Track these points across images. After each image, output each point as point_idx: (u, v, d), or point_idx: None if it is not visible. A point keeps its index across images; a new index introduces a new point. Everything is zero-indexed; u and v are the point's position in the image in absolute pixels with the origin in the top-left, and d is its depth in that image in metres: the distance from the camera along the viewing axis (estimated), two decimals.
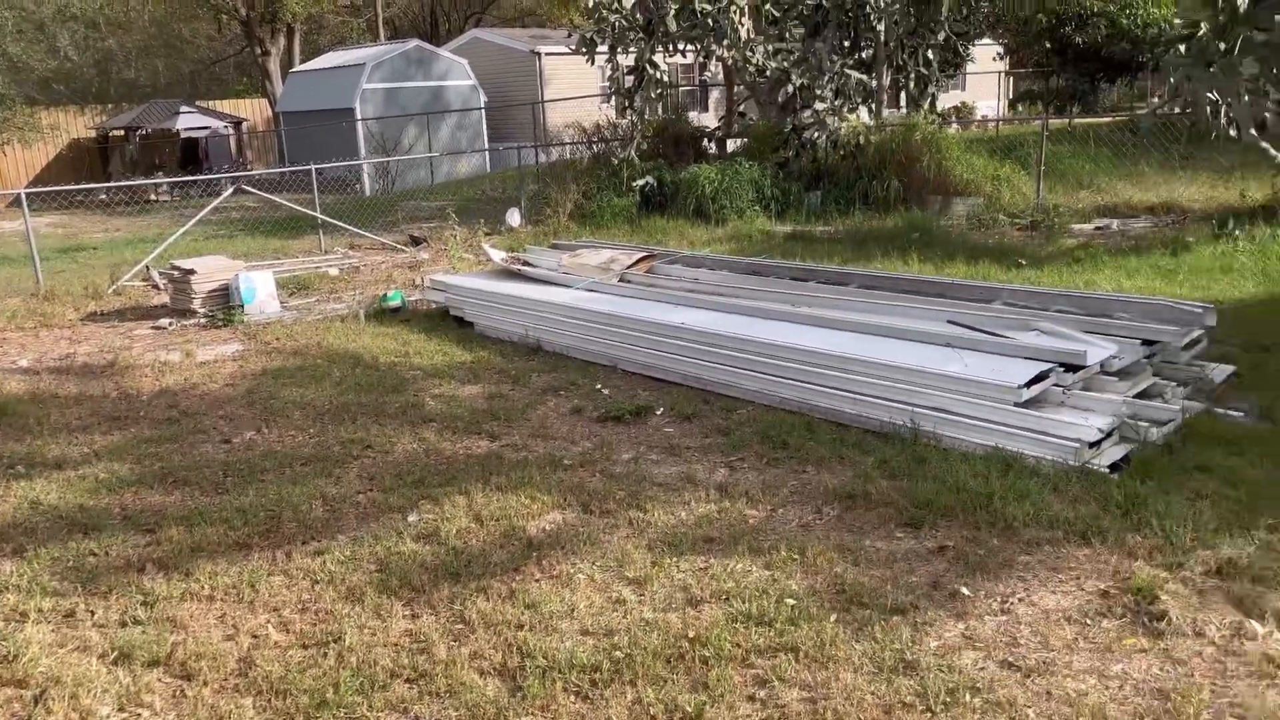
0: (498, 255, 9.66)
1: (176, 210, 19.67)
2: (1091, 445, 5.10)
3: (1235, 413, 5.70)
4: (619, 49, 15.07)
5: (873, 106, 16.94)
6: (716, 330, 6.86)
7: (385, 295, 10.02)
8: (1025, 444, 5.23)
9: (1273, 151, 11.10)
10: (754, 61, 15.43)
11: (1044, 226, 12.52)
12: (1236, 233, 10.67)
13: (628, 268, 8.82)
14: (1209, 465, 5.02)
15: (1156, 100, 26.09)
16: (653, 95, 15.47)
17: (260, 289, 10.21)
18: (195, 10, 38.36)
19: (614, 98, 15.61)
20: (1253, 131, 11.15)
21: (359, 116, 26.43)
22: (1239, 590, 3.86)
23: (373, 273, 12.57)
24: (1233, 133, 11.87)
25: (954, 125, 23.30)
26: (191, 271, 10.21)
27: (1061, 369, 5.60)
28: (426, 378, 7.51)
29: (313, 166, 14.51)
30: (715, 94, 29.47)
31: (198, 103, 33.91)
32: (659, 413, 6.51)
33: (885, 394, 5.88)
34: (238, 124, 33.56)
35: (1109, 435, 5.23)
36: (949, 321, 6.38)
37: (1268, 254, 9.80)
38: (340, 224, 14.43)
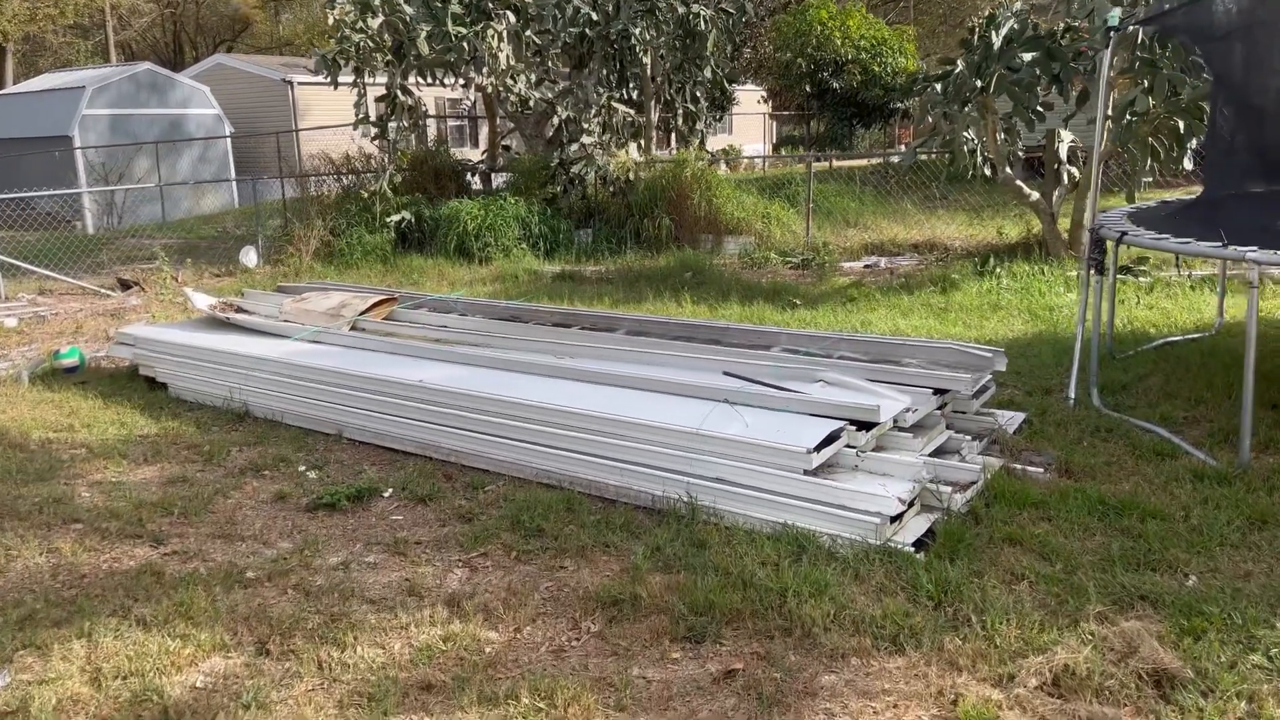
0: (203, 301, 8.09)
1: None
2: (893, 519, 4.34)
3: (1034, 468, 5.14)
4: (365, 72, 13.70)
5: (642, 143, 16.40)
6: (461, 389, 5.71)
7: (58, 352, 8.17)
8: (819, 520, 4.41)
9: (1027, 190, 11.26)
10: (516, 92, 14.49)
11: (815, 265, 12.23)
12: (998, 270, 10.67)
13: (362, 313, 7.52)
14: (1019, 535, 4.37)
15: (909, 142, 27.50)
16: (404, 124, 14.18)
17: None
18: None
19: (361, 127, 14.17)
20: (1008, 169, 11.29)
21: (77, 145, 23.46)
22: (1085, 713, 3.11)
23: (63, 323, 10.53)
24: (988, 171, 12.03)
25: (723, 166, 23.41)
26: None
27: (853, 427, 4.85)
28: (90, 458, 5.91)
29: None
30: (486, 128, 28.44)
31: None
32: (387, 495, 5.27)
33: (657, 462, 4.93)
34: None
35: (910, 505, 4.49)
36: (725, 373, 5.54)
37: (1030, 291, 9.77)
38: (26, 265, 12.18)
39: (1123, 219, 6.44)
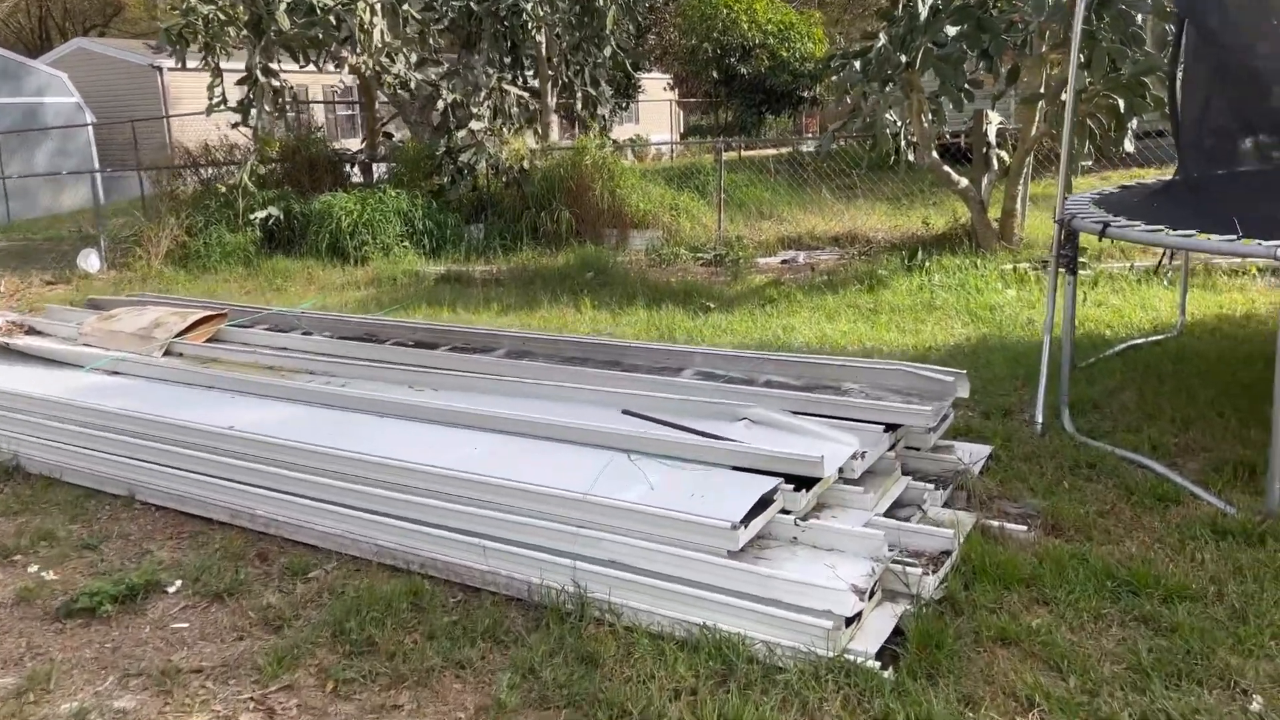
0: None
1: None
2: (849, 620, 3.19)
3: (1014, 525, 4.07)
4: (218, 50, 12.08)
5: (538, 129, 15.09)
6: (279, 439, 4.39)
7: None
8: (750, 621, 3.24)
9: (955, 176, 10.35)
10: (395, 73, 13.03)
11: (729, 261, 11.12)
12: (927, 265, 9.72)
13: (179, 334, 6.09)
14: (1014, 632, 3.28)
15: (814, 132, 26.66)
16: (267, 109, 12.59)
17: None
18: None
19: (213, 112, 12.54)
20: (934, 154, 10.35)
21: None
22: None
23: None
24: (911, 156, 11.10)
25: (630, 155, 22.25)
26: None
27: (788, 484, 3.71)
28: None
29: None
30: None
31: None
32: (172, 590, 3.92)
33: (534, 539, 3.71)
34: None
35: (869, 594, 3.36)
36: (625, 412, 4.33)
37: (966, 288, 8.82)
38: None
39: (1091, 206, 5.44)
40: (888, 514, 3.96)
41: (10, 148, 22.44)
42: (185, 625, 3.67)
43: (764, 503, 3.59)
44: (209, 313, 6.43)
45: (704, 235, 12.38)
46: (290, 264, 11.92)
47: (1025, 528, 4.04)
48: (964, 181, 10.51)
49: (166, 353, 6.00)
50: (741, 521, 3.40)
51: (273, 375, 5.49)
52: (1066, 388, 5.37)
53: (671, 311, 8.50)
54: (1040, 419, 5.22)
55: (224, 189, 12.89)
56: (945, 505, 4.24)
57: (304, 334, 6.28)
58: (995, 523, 4.08)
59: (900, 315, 8.09)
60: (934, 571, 3.52)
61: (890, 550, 3.58)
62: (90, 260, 12.58)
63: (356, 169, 15.09)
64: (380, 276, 11.13)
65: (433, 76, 13.55)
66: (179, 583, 3.96)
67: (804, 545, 3.63)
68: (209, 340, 6.19)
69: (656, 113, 32.30)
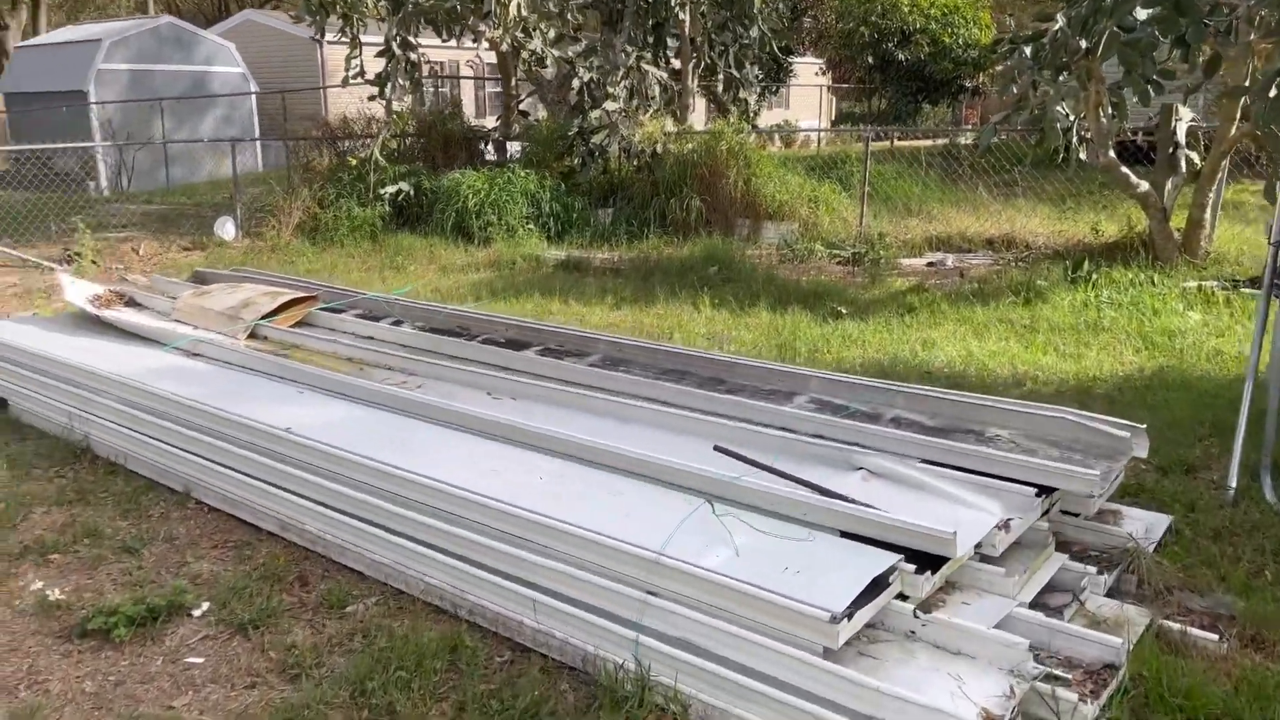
0: (79, 291, 6.39)
1: None
2: None
3: (1201, 631, 3.21)
4: (355, 22, 11.92)
5: (676, 111, 14.45)
6: (334, 446, 3.93)
7: None
8: None
9: (1134, 179, 9.16)
10: (531, 49, 12.62)
11: (868, 261, 10.24)
12: (1095, 278, 8.61)
13: (265, 317, 5.76)
14: None
15: (976, 122, 25.03)
16: (402, 83, 12.38)
17: None
18: None
19: (349, 84, 12.43)
20: (1111, 153, 9.19)
21: (93, 100, 22.11)
22: None
23: None
24: (1083, 154, 9.93)
25: (776, 141, 21.32)
26: None
27: (909, 560, 2.99)
28: None
29: None
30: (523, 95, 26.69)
31: None
32: (198, 614, 3.51)
33: (594, 600, 3.11)
34: None
35: None
36: (717, 449, 3.67)
37: (1140, 308, 7.72)
38: None
39: None
40: (1034, 603, 3.18)
41: (180, 114, 23.31)
42: (199, 661, 3.24)
43: (876, 584, 2.88)
44: (300, 295, 6.10)
45: (843, 230, 11.50)
46: (414, 241, 11.69)
47: (1216, 636, 3.18)
48: (1144, 185, 9.30)
49: (251, 335, 5.69)
50: (844, 613, 2.70)
51: (349, 368, 5.07)
52: (1271, 444, 4.39)
53: (797, 316, 7.74)
54: (1234, 483, 4.27)
55: (355, 162, 12.78)
56: (1110, 594, 3.41)
57: (393, 323, 5.86)
58: (1176, 625, 3.23)
59: (1060, 335, 7.11)
60: (1094, 697, 2.73)
61: (1036, 659, 2.82)
62: (226, 228, 12.70)
63: (490, 147, 14.81)
64: (500, 259, 10.75)
65: (570, 54, 13.08)
66: (205, 606, 3.55)
67: (923, 643, 2.90)
68: (297, 324, 5.84)
69: (806, 98, 31.19)
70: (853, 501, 3.26)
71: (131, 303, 6.46)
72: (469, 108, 24.84)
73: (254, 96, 24.36)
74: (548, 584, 3.21)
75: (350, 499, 3.78)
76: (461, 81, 25.75)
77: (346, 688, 3.03)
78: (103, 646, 3.32)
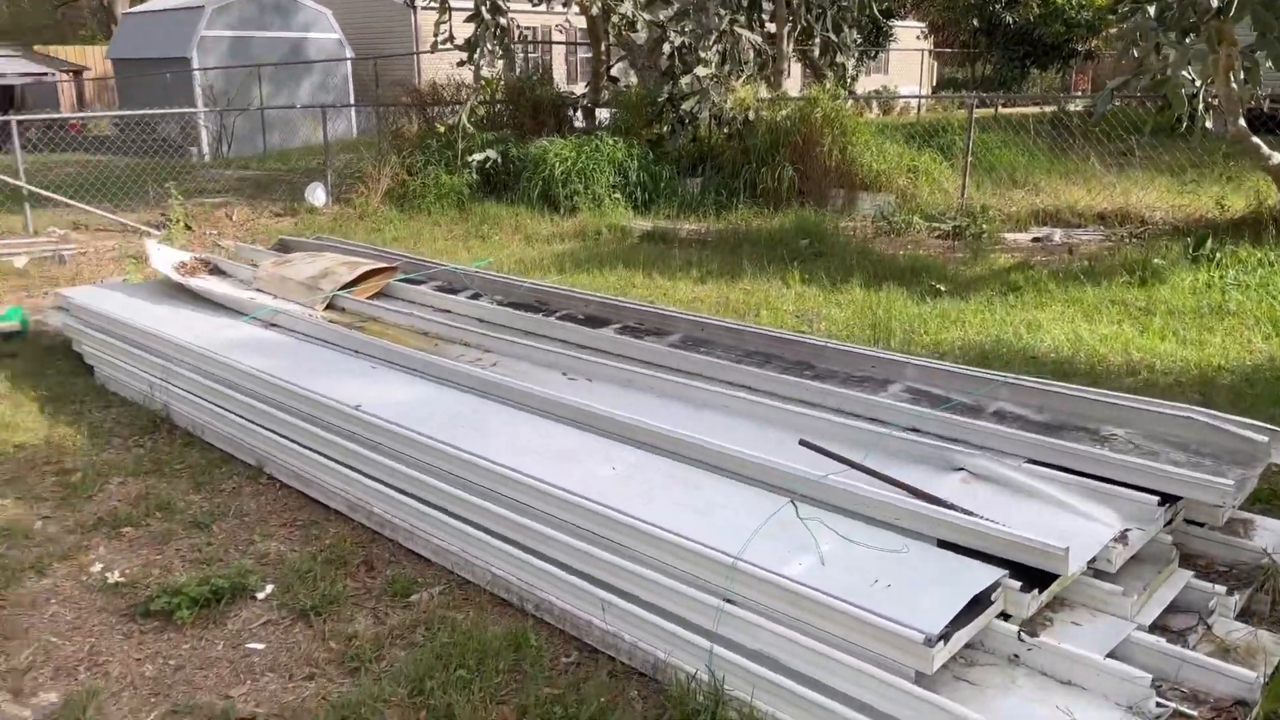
0: (165, 258, 6.41)
1: None
2: None
3: None
4: None
5: (770, 77, 14.00)
6: (403, 427, 3.79)
7: None
8: None
9: (1266, 150, 8.47)
10: (621, 12, 12.33)
11: (970, 235, 9.74)
12: (1219, 256, 8.00)
13: (344, 287, 5.68)
14: None
15: (1086, 89, 23.76)
16: (489, 48, 12.23)
17: None
18: None
19: (437, 50, 12.33)
20: (1241, 121, 8.51)
21: (196, 67, 22.62)
22: None
23: (80, 266, 9.17)
24: (1209, 122, 9.24)
25: (873, 108, 20.57)
26: None
27: (1014, 576, 2.70)
28: None
29: (13, 118, 10.97)
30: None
31: (35, 49, 29.45)
32: (261, 597, 3.42)
33: (667, 603, 2.90)
34: (77, 72, 29.24)
35: None
36: (803, 443, 3.40)
37: (1270, 290, 7.12)
38: (55, 196, 10.92)
39: None
40: (1155, 626, 2.86)
41: (278, 80, 23.66)
42: (260, 647, 3.15)
43: (976, 601, 2.60)
44: (379, 265, 6.00)
45: (943, 202, 10.97)
46: (500, 210, 11.58)
47: None
48: (1276, 156, 8.60)
49: (330, 306, 5.61)
50: (941, 634, 2.44)
51: (423, 343, 4.94)
52: None
53: (892, 294, 7.36)
54: None
55: (443, 129, 12.73)
56: (1241, 617, 3.06)
57: (471, 296, 5.72)
58: None
59: (1180, 319, 6.59)
60: None
61: (1158, 692, 2.51)
62: (317, 194, 12.80)
63: (579, 114, 14.59)
64: (585, 229, 10.56)
65: (661, 18, 12.73)
66: (269, 589, 3.46)
67: (1027, 669, 2.62)
68: (375, 295, 5.75)
69: (907, 63, 30.12)
70: (951, 507, 2.97)
71: (216, 270, 6.47)
72: (559, 74, 24.69)
73: (349, 62, 24.61)
74: (619, 583, 3.02)
75: (417, 481, 3.65)
76: (552, 47, 25.57)
77: (405, 685, 2.89)
78: (165, 628, 3.25)
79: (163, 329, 5.15)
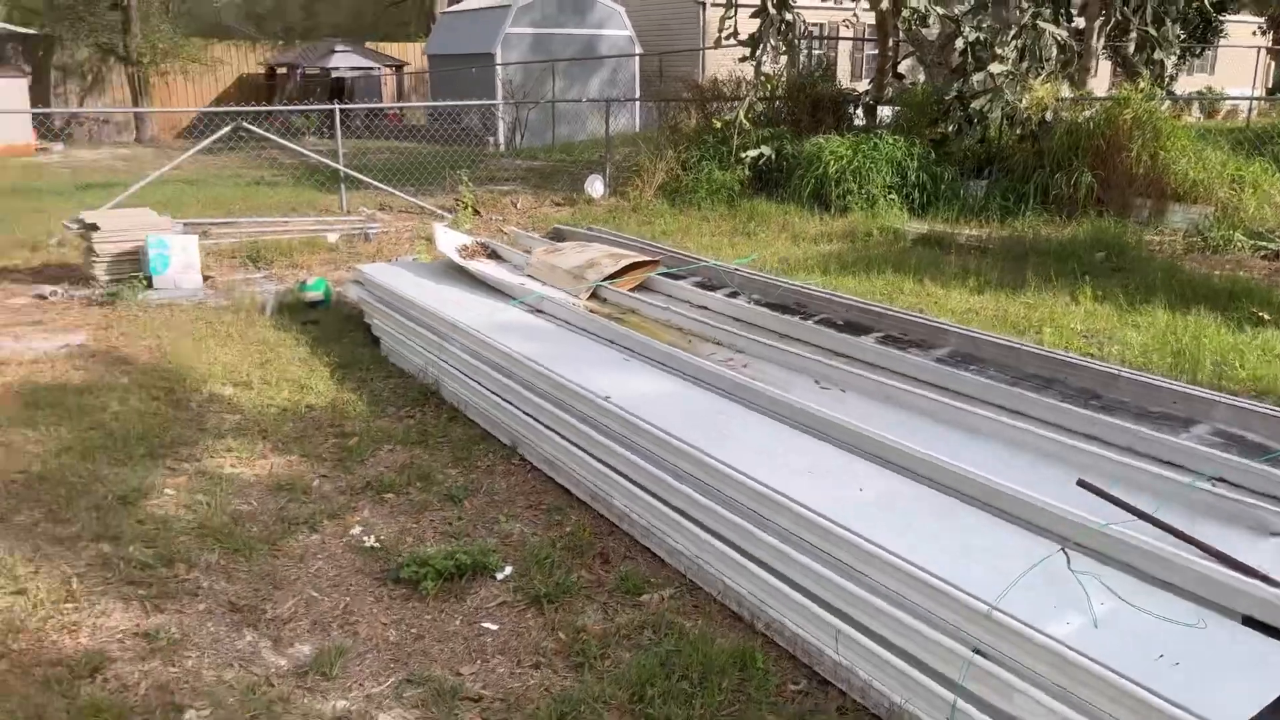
0: (449, 241, 6.79)
1: (276, 151, 17.68)
2: None
3: None
4: None
5: (1074, 74, 12.90)
6: (647, 422, 3.74)
7: (304, 284, 7.36)
8: None
9: None
10: (912, 6, 11.79)
11: None
12: None
13: (608, 278, 5.76)
14: None
15: None
16: (772, 43, 12.09)
17: (177, 257, 7.77)
18: None
19: (720, 45, 12.34)
20: None
21: (499, 62, 24.15)
22: None
23: (381, 244, 9.99)
24: None
25: (1194, 111, 18.51)
26: (94, 227, 7.90)
27: None
28: (224, 435, 4.77)
29: (336, 107, 12.09)
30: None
31: (366, 44, 32.67)
32: (500, 578, 3.49)
33: (909, 644, 2.65)
34: (399, 67, 32.15)
35: None
36: (1081, 483, 3.01)
37: None
38: (365, 179, 11.95)
39: None
40: None
41: (571, 74, 24.80)
42: (494, 628, 3.20)
43: None
44: (643, 258, 6.04)
45: (1273, 219, 9.64)
46: (769, 207, 11.45)
47: None
48: None
49: (593, 295, 5.71)
50: None
51: (677, 338, 4.90)
52: None
53: (1202, 319, 6.51)
54: None
55: (720, 125, 12.75)
56: None
57: (730, 294, 5.62)
58: None
59: None
60: None
61: None
62: (595, 186, 13.23)
63: (860, 111, 14.15)
64: (855, 230, 10.20)
65: (956, 11, 12.06)
66: (509, 570, 3.52)
67: None
68: (636, 288, 5.79)
69: (1237, 62, 26.89)
70: (1265, 579, 2.51)
71: (493, 255, 6.78)
72: (843, 71, 24.17)
73: (637, 58, 25.35)
74: (856, 614, 2.80)
75: (655, 479, 3.58)
76: (838, 43, 25.05)
77: (626, 689, 2.83)
78: (410, 596, 3.39)
79: (438, 307, 5.44)
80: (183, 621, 3.19)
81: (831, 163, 11.53)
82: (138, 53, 25.82)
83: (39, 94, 24.67)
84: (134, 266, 7.84)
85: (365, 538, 3.75)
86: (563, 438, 4.15)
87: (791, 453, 3.49)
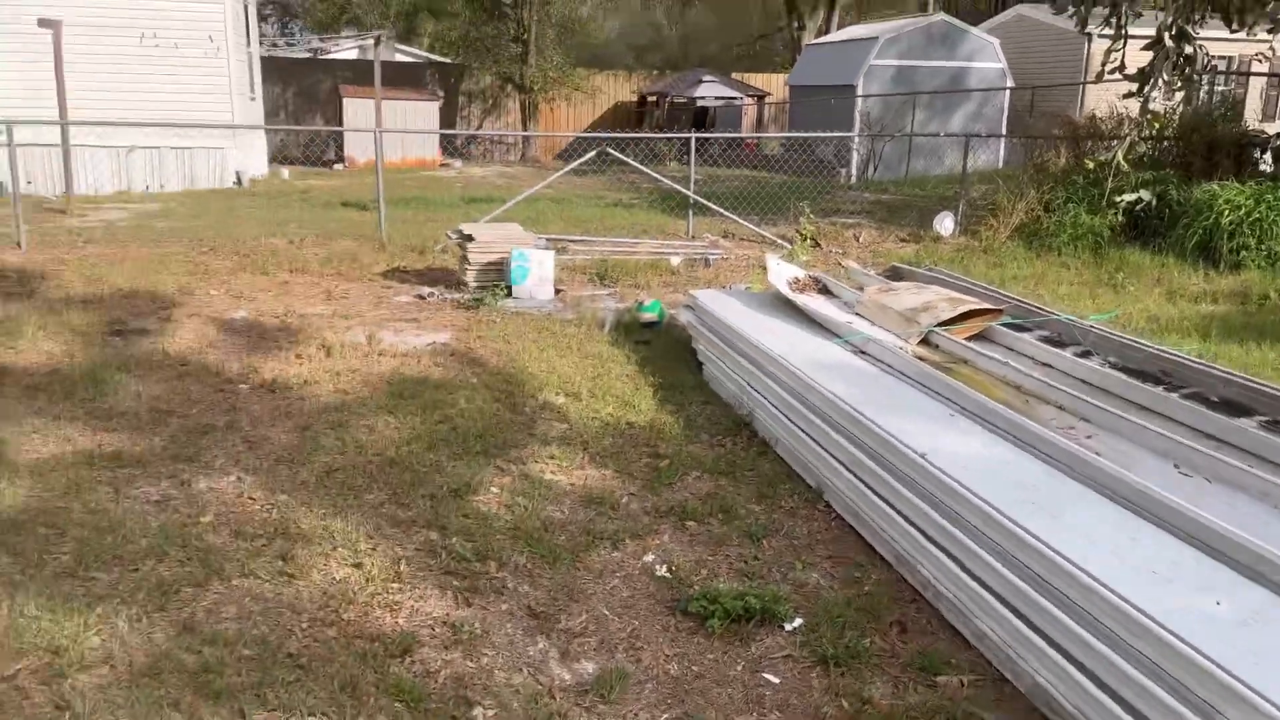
0: (781, 273, 6.72)
1: (629, 172, 18.77)
2: None
3: None
4: (1124, 9, 10.75)
5: None
6: (965, 487, 3.45)
7: (641, 304, 7.62)
8: None
9: None
10: None
11: None
12: None
13: (943, 323, 5.42)
14: None
15: None
16: (1165, 78, 10.86)
17: (535, 270, 8.42)
18: None
19: (1102, 80, 11.29)
20: None
21: (859, 94, 23.99)
22: None
23: (719, 270, 10.21)
24: None
25: None
26: (469, 238, 8.75)
27: None
28: (554, 441, 5.04)
29: (692, 135, 12.47)
30: None
31: (732, 75, 33.91)
32: (789, 629, 3.37)
33: None
34: (760, 97, 33.03)
35: None
36: None
37: None
38: (711, 206, 12.23)
39: None
40: None
41: (932, 108, 24.06)
42: (775, 681, 3.09)
43: None
44: (984, 305, 5.63)
45: None
46: (1142, 258, 10.31)
47: None
48: None
49: (923, 341, 5.41)
50: None
51: (1012, 396, 4.49)
52: None
53: None
54: None
55: (1093, 165, 11.69)
56: None
57: (1081, 353, 5.07)
58: None
59: None
60: None
61: None
62: (945, 223, 12.66)
63: (1269, 156, 12.39)
64: (1248, 290, 8.90)
65: None
66: (798, 622, 3.39)
67: None
68: (973, 337, 5.40)
69: None
70: None
71: (824, 289, 6.65)
72: (1251, 110, 21.36)
73: (1007, 92, 24.08)
74: None
75: (970, 552, 3.28)
76: (1248, 79, 22.23)
77: None
78: (696, 631, 3.36)
79: (758, 338, 5.41)
80: (486, 618, 3.38)
81: (1226, 212, 10.16)
82: (531, 81, 28.56)
83: (448, 116, 27.97)
84: (498, 276, 8.58)
85: (658, 566, 3.78)
86: (871, 490, 3.95)
87: (1133, 546, 3.05)
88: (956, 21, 25.54)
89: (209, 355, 6.42)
